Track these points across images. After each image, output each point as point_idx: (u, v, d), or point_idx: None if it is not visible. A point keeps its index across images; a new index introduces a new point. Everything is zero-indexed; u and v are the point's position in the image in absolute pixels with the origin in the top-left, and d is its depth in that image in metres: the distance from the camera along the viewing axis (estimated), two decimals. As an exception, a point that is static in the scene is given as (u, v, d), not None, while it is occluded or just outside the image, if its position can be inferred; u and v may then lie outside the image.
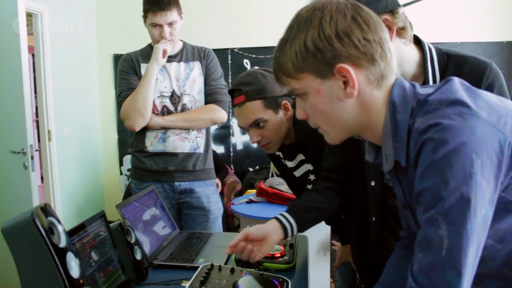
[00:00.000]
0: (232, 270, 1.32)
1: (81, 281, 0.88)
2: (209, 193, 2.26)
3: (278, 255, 1.52)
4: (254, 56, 4.41)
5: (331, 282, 2.91)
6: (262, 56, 4.39)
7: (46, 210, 0.87)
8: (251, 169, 4.55)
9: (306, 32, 0.84)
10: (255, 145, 4.54)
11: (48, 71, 3.79)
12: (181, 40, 2.28)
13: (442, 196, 0.74)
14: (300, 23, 0.86)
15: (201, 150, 2.24)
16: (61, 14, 3.94)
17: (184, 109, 2.20)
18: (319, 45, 0.83)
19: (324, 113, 0.88)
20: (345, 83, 0.84)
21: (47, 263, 0.80)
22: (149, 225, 1.68)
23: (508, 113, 0.79)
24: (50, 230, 0.85)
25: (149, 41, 2.28)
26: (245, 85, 1.47)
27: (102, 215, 1.28)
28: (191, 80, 2.22)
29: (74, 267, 0.87)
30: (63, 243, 0.87)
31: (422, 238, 0.78)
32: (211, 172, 2.31)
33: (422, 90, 0.87)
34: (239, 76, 1.56)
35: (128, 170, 4.68)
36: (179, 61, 2.23)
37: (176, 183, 2.20)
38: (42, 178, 3.60)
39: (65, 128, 3.95)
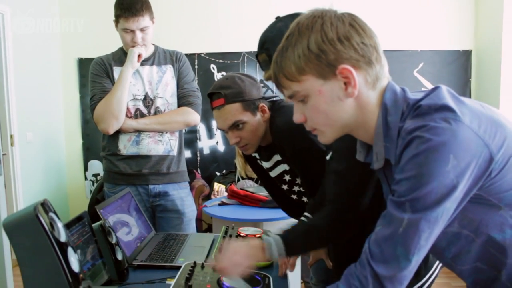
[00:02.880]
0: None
1: (81, 276, 0.89)
2: (183, 195, 2.27)
3: (257, 253, 1.56)
4: (220, 61, 4.45)
5: (301, 282, 2.97)
6: (228, 62, 4.43)
7: (46, 205, 0.88)
8: (218, 173, 4.57)
9: (308, 36, 0.90)
10: (222, 150, 4.57)
11: (10, 74, 3.68)
12: (152, 44, 2.29)
13: (416, 188, 0.82)
14: (301, 29, 0.91)
15: (174, 152, 2.26)
16: (24, 15, 3.84)
17: (157, 112, 2.21)
18: (323, 47, 0.89)
19: (324, 113, 0.93)
20: (345, 83, 0.90)
21: (49, 257, 0.81)
22: (126, 226, 1.69)
23: (488, 120, 0.86)
24: (51, 225, 0.86)
25: (115, 45, 2.28)
26: (224, 88, 1.51)
27: (85, 216, 1.29)
28: (163, 83, 2.23)
29: (74, 262, 0.88)
30: (63, 238, 0.88)
31: (385, 213, 0.87)
32: (184, 174, 2.33)
33: (412, 95, 0.94)
34: (217, 80, 1.60)
35: (93, 175, 4.60)
36: (152, 64, 2.24)
37: (151, 186, 2.20)
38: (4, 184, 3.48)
39: (28, 133, 3.85)
